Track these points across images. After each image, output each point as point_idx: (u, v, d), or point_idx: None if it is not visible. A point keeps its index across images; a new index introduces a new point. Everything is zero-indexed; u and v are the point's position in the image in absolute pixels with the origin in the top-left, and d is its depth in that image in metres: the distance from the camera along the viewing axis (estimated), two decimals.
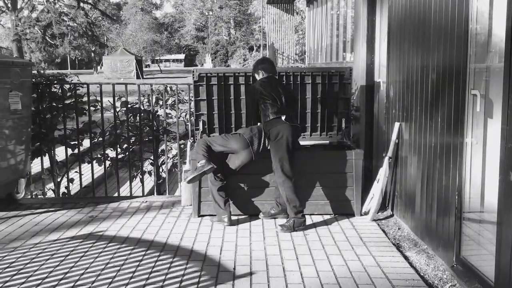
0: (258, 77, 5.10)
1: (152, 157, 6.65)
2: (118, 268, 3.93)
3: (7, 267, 3.95)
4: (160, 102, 6.64)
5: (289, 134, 4.78)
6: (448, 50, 3.93)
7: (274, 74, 5.09)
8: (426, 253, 4.28)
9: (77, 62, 74.77)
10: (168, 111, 6.62)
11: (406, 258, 4.17)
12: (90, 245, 4.46)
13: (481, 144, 3.57)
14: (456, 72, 3.78)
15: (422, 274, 3.86)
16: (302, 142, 5.73)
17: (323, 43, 13.22)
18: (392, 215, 5.35)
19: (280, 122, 4.79)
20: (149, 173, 6.76)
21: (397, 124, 5.13)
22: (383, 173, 5.26)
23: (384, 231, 4.85)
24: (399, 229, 4.95)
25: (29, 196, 6.40)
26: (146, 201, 5.92)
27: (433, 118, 4.23)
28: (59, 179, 6.65)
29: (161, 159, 6.75)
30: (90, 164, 6.43)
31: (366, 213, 5.30)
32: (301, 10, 33.14)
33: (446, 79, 3.96)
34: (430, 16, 4.27)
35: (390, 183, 5.39)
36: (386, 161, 5.26)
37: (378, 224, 5.06)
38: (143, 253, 4.25)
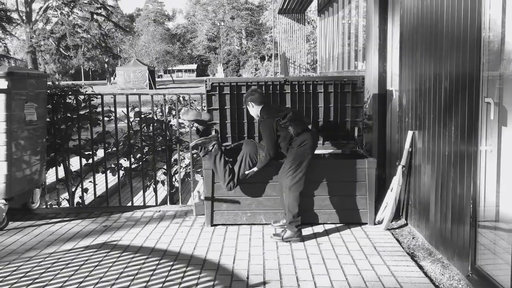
0: (249, 108, 5.01)
1: (165, 167, 6.69)
2: (132, 277, 3.94)
3: (23, 277, 3.98)
4: (173, 112, 6.68)
5: (313, 142, 4.81)
6: (461, 58, 3.91)
7: (266, 104, 4.98)
8: (441, 262, 4.25)
9: (90, 73, 75.61)
10: (181, 120, 6.66)
11: (420, 267, 4.14)
12: (104, 254, 4.48)
13: (495, 152, 3.55)
14: (469, 80, 3.76)
15: (437, 284, 3.82)
16: (315, 151, 5.73)
17: (334, 52, 13.24)
18: (406, 224, 5.32)
19: (307, 130, 4.83)
20: (162, 182, 6.79)
21: (410, 133, 5.11)
22: (396, 181, 5.24)
23: (398, 240, 4.82)
24: (413, 238, 4.91)
25: (44, 206, 6.47)
26: (160, 211, 5.94)
27: (446, 126, 4.21)
28: (73, 189, 6.70)
29: (174, 169, 6.78)
30: (104, 174, 6.48)
31: (379, 222, 5.28)
32: (312, 20, 33.25)
33: (459, 87, 3.94)
34: (442, 24, 4.27)
35: (404, 192, 5.36)
36: (399, 169, 5.23)
37: (392, 233, 5.03)
38: (156, 262, 4.27)
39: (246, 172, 5.07)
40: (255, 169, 5.05)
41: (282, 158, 5.04)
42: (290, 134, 4.76)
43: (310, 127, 4.92)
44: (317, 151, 5.71)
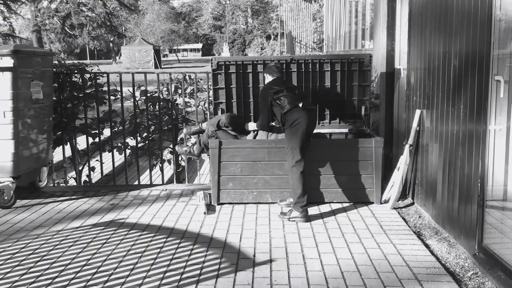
0: (265, 80, 5.20)
1: (171, 146, 6.69)
2: (140, 254, 3.97)
3: (31, 254, 4.02)
4: (179, 91, 6.66)
5: (306, 121, 4.75)
6: (471, 36, 3.86)
7: (278, 77, 5.07)
8: (447, 241, 4.25)
9: (95, 52, 75.36)
10: (187, 99, 6.64)
11: (427, 246, 4.14)
12: (112, 232, 4.52)
13: (504, 130, 3.52)
14: (479, 58, 3.71)
15: (443, 262, 3.83)
16: (321, 130, 5.72)
17: (341, 31, 13.10)
18: (412, 203, 5.31)
19: (298, 109, 4.80)
20: (169, 161, 6.81)
21: (418, 112, 5.07)
22: (403, 161, 5.22)
23: (404, 219, 4.82)
24: (419, 217, 4.91)
25: (51, 184, 6.50)
26: (166, 189, 5.96)
27: (455, 105, 4.17)
28: (80, 168, 6.73)
29: None
30: (110, 153, 6.50)
31: (386, 201, 5.27)
32: None
33: (469, 65, 3.89)
34: (452, 1, 4.20)
35: (411, 171, 5.34)
36: (406, 148, 5.21)
37: (399, 212, 5.03)
38: (163, 240, 4.30)
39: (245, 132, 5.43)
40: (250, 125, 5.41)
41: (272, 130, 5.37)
42: (282, 111, 4.79)
43: (301, 105, 4.84)
44: (323, 130, 5.71)
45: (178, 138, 6.70)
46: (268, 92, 4.91)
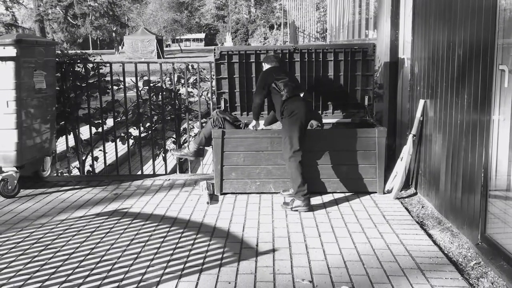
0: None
1: (174, 136, 6.69)
2: (143, 244, 3.99)
3: (35, 243, 4.04)
4: (182, 81, 6.65)
5: (304, 111, 4.76)
6: (476, 25, 3.83)
7: (276, 66, 5.07)
8: (450, 231, 4.25)
9: (98, 42, 75.17)
10: (190, 89, 6.63)
11: (429, 236, 4.15)
12: (115, 221, 4.53)
13: (508, 120, 3.50)
14: (484, 48, 3.69)
15: (446, 252, 3.83)
16: (324, 120, 5.70)
17: (345, 20, 13.03)
18: (415, 193, 5.31)
19: (297, 99, 4.81)
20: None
21: (421, 101, 5.06)
22: (406, 151, 5.21)
23: (407, 209, 4.82)
24: (422, 207, 4.91)
25: (55, 174, 6.52)
26: (169, 179, 5.97)
27: (459, 94, 4.15)
28: (83, 158, 6.74)
29: (183, 138, 6.79)
30: (113, 143, 6.51)
31: (389, 191, 5.27)
32: None
33: (473, 55, 3.87)
34: None
35: (414, 161, 5.33)
36: (410, 138, 5.20)
37: (401, 202, 5.03)
38: (167, 229, 4.31)
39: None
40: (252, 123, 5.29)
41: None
42: (282, 98, 4.78)
43: (302, 95, 4.90)
44: (326, 120, 5.70)
45: (181, 128, 6.70)
46: (270, 75, 4.90)
